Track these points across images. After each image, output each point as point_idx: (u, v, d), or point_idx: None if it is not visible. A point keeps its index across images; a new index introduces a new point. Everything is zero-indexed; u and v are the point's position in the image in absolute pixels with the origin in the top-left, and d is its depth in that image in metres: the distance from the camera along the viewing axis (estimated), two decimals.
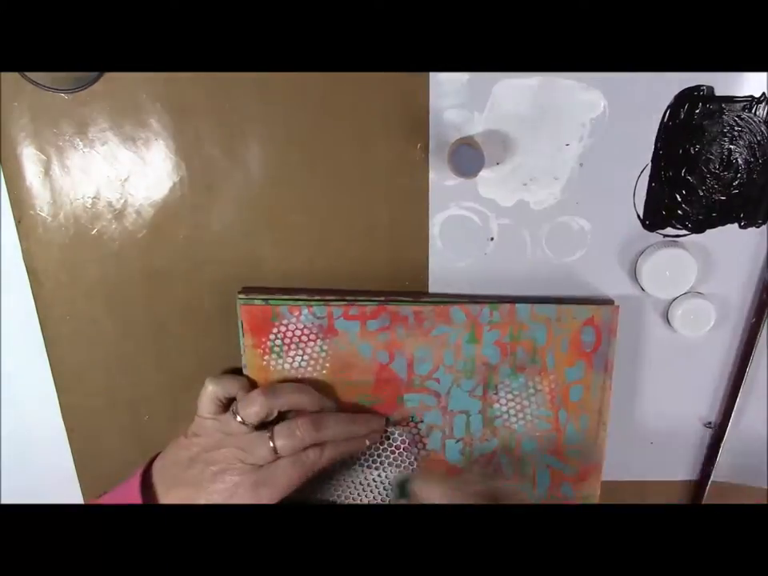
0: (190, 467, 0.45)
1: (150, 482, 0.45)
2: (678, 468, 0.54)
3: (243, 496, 0.43)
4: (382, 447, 0.49)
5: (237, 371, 0.49)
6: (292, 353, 0.47)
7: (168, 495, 0.44)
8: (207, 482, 0.44)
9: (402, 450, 0.49)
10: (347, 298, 0.46)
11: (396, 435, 0.49)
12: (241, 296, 0.46)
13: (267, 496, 0.44)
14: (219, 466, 0.44)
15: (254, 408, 0.44)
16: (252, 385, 0.47)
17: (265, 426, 0.45)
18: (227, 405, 0.46)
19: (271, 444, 0.44)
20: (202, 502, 0.44)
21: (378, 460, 0.50)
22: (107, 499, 0.45)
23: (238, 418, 0.44)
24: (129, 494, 0.44)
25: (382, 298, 0.46)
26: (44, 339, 0.49)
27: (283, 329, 0.47)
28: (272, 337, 0.47)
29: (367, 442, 0.47)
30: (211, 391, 0.46)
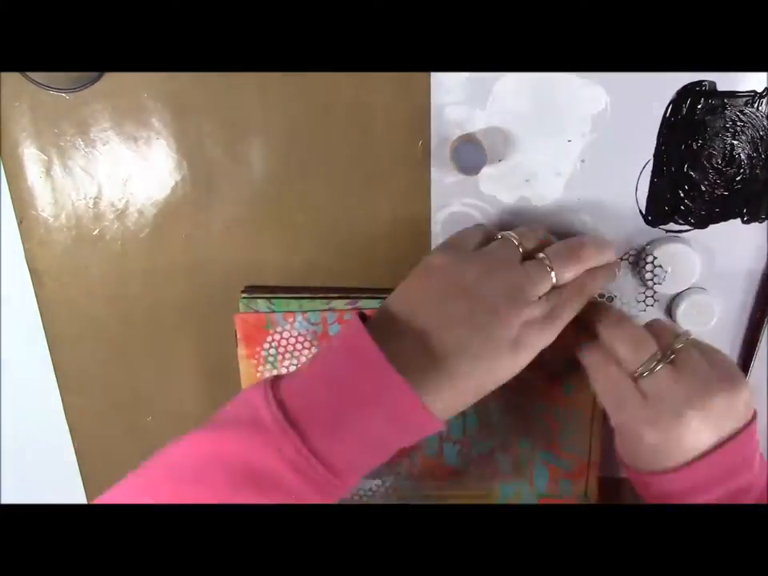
0: (446, 303, 0.37)
1: (381, 329, 0.36)
2: None
3: (532, 335, 0.37)
4: None
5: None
6: (286, 362, 0.47)
7: (425, 337, 0.35)
8: (484, 319, 0.36)
9: None
10: (351, 295, 0.46)
11: None
12: (243, 296, 0.46)
13: (552, 332, 0.37)
14: (495, 301, 0.36)
15: (533, 236, 0.40)
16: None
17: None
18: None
19: (552, 271, 0.38)
20: (478, 347, 0.35)
21: None
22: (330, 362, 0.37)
23: (515, 240, 0.39)
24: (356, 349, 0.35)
25: (386, 295, 0.46)
26: (47, 340, 0.49)
27: (277, 337, 0.47)
28: (266, 346, 0.47)
29: (617, 272, 0.43)
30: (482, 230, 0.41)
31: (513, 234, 0.40)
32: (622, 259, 0.46)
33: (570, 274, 0.39)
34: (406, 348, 0.35)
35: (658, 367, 0.38)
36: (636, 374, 0.39)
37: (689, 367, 0.39)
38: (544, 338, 0.37)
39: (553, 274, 0.38)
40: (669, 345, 0.39)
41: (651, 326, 0.41)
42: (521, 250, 0.39)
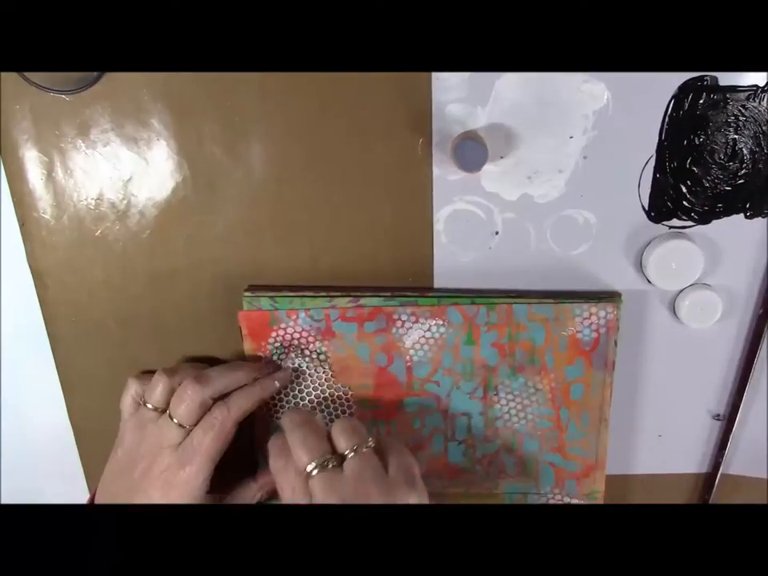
0: (122, 477, 0.44)
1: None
2: (688, 461, 0.53)
3: (174, 481, 0.42)
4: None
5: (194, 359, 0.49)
6: (292, 354, 0.47)
7: None
8: (139, 479, 0.43)
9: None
10: (353, 294, 0.46)
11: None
12: (247, 294, 0.46)
13: (195, 471, 0.42)
14: (145, 462, 0.43)
15: (156, 389, 0.44)
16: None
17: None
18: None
19: (172, 418, 0.43)
20: (141, 500, 0.43)
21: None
22: None
23: (149, 405, 0.44)
24: None
25: (388, 294, 0.46)
26: (50, 341, 0.49)
27: (282, 332, 0.47)
28: (271, 341, 0.47)
29: (277, 384, 0.46)
30: (132, 388, 0.46)
31: (147, 401, 0.45)
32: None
33: (185, 414, 0.43)
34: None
35: (327, 468, 0.39)
36: (306, 473, 0.40)
37: (357, 470, 0.40)
38: (189, 478, 0.42)
39: (175, 420, 0.43)
40: (347, 447, 0.41)
41: (338, 429, 0.42)
42: (159, 408, 0.44)
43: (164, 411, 0.44)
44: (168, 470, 0.43)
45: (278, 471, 0.42)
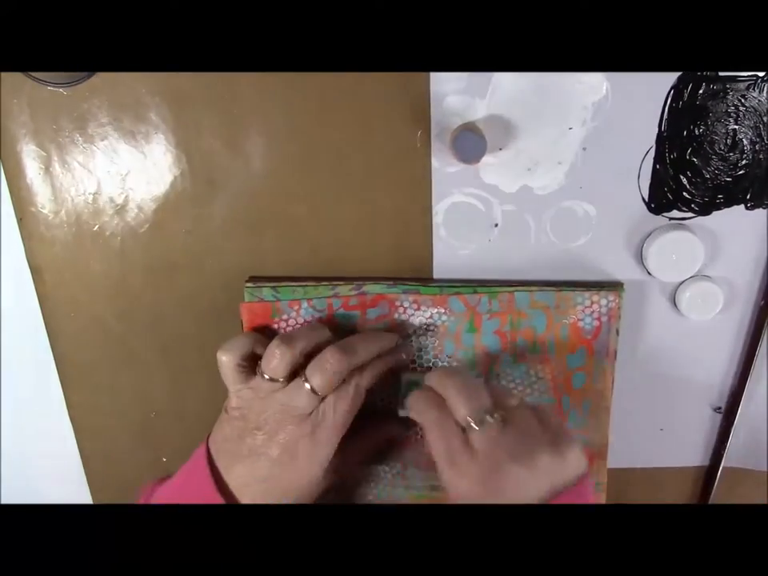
0: (242, 441, 0.42)
1: (212, 461, 0.43)
2: (689, 454, 0.53)
3: (305, 450, 0.41)
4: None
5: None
6: None
7: (231, 473, 0.42)
8: (264, 448, 0.42)
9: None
10: (356, 282, 0.46)
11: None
12: (248, 285, 0.46)
13: (326, 440, 0.42)
14: (269, 430, 0.42)
15: (274, 361, 0.41)
16: (263, 335, 0.44)
17: (296, 373, 0.42)
18: (252, 366, 0.43)
19: (308, 386, 0.41)
20: (266, 470, 0.42)
21: None
22: (176, 481, 0.44)
23: (266, 377, 0.42)
24: (197, 474, 0.43)
25: (391, 281, 0.46)
26: (48, 336, 0.49)
27: (284, 324, 0.46)
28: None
29: (403, 356, 0.46)
30: (227, 362, 0.42)
31: (266, 373, 0.42)
32: None
33: (325, 384, 0.41)
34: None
35: (489, 419, 0.39)
36: (467, 424, 0.39)
37: (518, 424, 0.39)
38: (317, 449, 0.42)
39: (307, 386, 0.41)
40: (501, 402, 0.40)
41: (487, 386, 0.41)
42: (280, 379, 0.42)
43: (284, 380, 0.42)
44: (299, 439, 0.41)
45: (432, 425, 0.40)
